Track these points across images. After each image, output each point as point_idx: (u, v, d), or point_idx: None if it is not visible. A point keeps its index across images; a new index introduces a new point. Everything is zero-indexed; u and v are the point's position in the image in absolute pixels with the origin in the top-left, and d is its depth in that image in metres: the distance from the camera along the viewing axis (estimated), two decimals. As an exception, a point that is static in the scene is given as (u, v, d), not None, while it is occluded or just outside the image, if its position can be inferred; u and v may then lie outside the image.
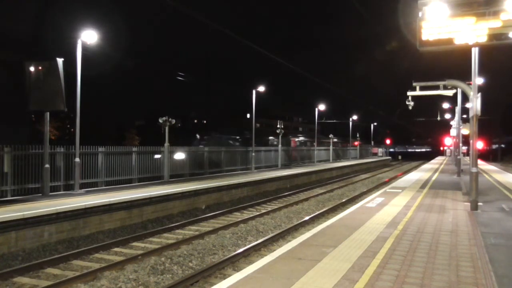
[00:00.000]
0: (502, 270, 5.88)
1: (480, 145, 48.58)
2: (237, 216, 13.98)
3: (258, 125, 50.34)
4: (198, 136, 46.12)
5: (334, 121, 59.27)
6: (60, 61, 12.46)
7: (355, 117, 56.69)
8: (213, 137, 39.83)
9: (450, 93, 14.99)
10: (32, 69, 12.43)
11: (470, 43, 9.77)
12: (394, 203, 12.26)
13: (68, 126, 56.33)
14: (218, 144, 28.66)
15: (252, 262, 7.39)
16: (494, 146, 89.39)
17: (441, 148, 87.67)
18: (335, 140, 49.71)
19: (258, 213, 14.18)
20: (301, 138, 53.89)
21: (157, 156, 18.26)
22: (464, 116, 27.20)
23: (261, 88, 26.33)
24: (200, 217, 13.37)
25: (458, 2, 9.76)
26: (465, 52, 11.75)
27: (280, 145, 30.75)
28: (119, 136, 55.63)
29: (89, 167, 14.85)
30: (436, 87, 14.13)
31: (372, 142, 71.99)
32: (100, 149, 15.38)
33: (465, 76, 13.35)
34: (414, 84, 14.56)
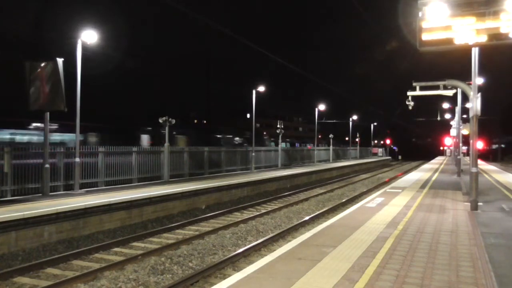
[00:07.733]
0: (502, 270, 5.88)
1: (480, 145, 48.59)
2: (237, 216, 13.98)
3: (258, 125, 50.30)
4: None
5: (334, 121, 59.34)
6: (60, 61, 12.46)
7: (355, 117, 56.73)
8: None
9: (450, 93, 14.96)
10: (32, 69, 12.43)
11: (470, 43, 9.77)
12: (394, 203, 12.26)
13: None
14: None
15: (252, 262, 7.39)
16: (494, 146, 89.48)
17: (441, 148, 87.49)
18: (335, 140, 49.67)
19: (258, 213, 14.18)
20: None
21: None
22: (464, 116, 27.19)
23: (261, 88, 26.32)
24: (200, 217, 13.37)
25: (458, 2, 9.76)
26: (465, 52, 11.74)
27: (280, 145, 30.76)
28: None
29: (89, 167, 14.85)
30: (436, 87, 14.11)
31: (372, 142, 72.03)
32: (100, 149, 15.37)
33: (465, 76, 13.35)
34: (414, 84, 14.53)
